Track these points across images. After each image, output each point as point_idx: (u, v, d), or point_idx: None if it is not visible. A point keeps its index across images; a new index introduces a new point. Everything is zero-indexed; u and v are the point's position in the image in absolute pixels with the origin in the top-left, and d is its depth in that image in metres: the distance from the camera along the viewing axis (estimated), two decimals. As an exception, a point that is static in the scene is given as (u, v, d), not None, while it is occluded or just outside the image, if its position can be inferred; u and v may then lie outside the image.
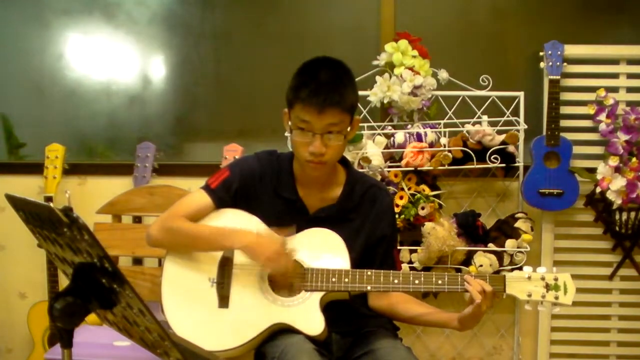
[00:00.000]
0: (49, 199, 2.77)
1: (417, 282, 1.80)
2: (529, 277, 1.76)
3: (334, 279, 1.80)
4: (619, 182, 2.63)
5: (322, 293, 1.80)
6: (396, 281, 1.80)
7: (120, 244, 2.45)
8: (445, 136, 2.67)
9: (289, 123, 1.82)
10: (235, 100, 3.08)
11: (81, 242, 1.13)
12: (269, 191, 1.91)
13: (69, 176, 2.94)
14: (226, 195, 1.89)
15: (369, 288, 1.81)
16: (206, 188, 1.91)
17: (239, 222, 1.88)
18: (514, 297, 1.78)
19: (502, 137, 2.67)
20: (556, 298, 1.75)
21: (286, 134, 2.68)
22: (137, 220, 2.69)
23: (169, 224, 1.87)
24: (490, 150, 2.65)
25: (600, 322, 2.88)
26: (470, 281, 1.75)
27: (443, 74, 2.73)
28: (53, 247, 1.28)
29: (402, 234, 2.64)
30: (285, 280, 1.81)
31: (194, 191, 1.97)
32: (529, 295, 1.76)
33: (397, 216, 2.55)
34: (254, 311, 1.81)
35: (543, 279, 1.76)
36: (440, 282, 1.79)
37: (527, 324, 2.89)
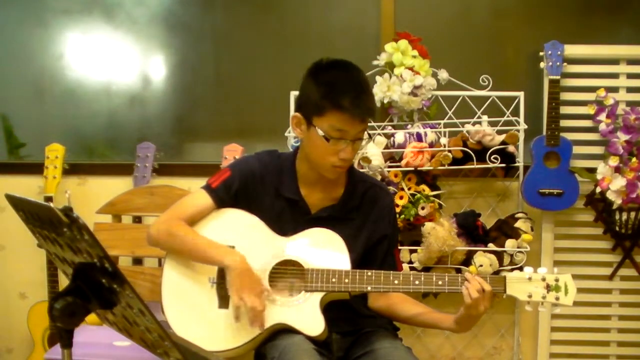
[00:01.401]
0: (49, 199, 2.77)
1: (417, 282, 1.79)
2: (530, 278, 1.76)
3: (334, 280, 1.80)
4: (619, 182, 2.63)
5: (322, 293, 1.80)
6: (396, 282, 1.80)
7: (120, 244, 2.45)
8: (445, 136, 2.67)
9: (318, 131, 1.77)
10: (235, 100, 3.08)
11: (81, 242, 1.13)
12: (270, 191, 1.91)
13: (69, 176, 2.94)
14: (227, 195, 1.89)
15: (369, 289, 1.81)
16: (207, 188, 1.91)
17: (239, 222, 1.89)
18: (515, 298, 1.78)
19: (502, 137, 2.67)
20: (557, 299, 1.75)
21: (286, 133, 2.69)
22: (137, 220, 2.69)
23: (168, 227, 1.87)
24: (490, 150, 2.65)
25: (600, 322, 2.88)
26: (470, 279, 1.74)
27: (443, 74, 2.73)
28: (53, 247, 1.28)
29: (402, 234, 2.64)
30: (239, 318, 1.78)
31: (194, 191, 1.97)
32: (530, 296, 1.75)
33: (397, 216, 2.55)
34: (254, 311, 1.81)
35: (544, 279, 1.75)
36: (440, 282, 1.78)
37: (527, 324, 2.89)
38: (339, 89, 1.76)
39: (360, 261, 1.87)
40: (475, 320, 1.77)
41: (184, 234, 1.85)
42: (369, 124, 2.65)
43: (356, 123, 1.76)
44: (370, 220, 1.92)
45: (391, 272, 1.82)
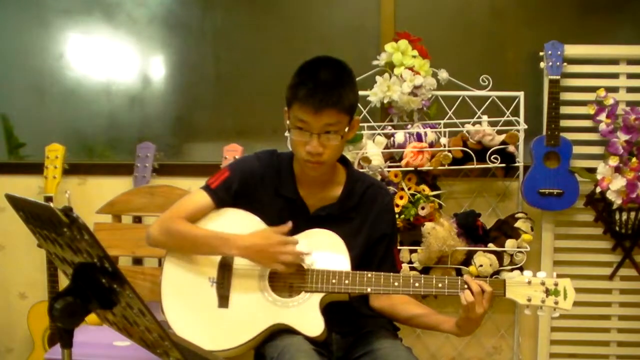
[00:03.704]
0: (49, 199, 2.76)
1: (417, 284, 1.79)
2: (529, 282, 1.76)
3: (334, 281, 1.80)
4: (619, 182, 2.63)
5: (322, 294, 1.80)
6: (396, 283, 1.80)
7: (120, 244, 2.45)
8: (445, 136, 2.67)
9: (287, 122, 1.83)
10: (235, 100, 3.08)
11: (81, 242, 1.13)
12: (269, 191, 1.91)
13: (69, 176, 2.93)
14: (226, 195, 1.89)
15: (369, 290, 1.81)
16: (206, 188, 1.91)
17: (239, 222, 1.89)
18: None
19: (502, 137, 2.66)
20: (556, 303, 1.75)
21: (286, 133, 2.69)
22: (137, 220, 2.69)
23: (168, 225, 1.87)
24: (490, 150, 2.65)
25: (600, 322, 2.88)
26: (468, 281, 1.75)
27: (443, 74, 2.73)
28: (53, 247, 1.28)
29: (402, 234, 2.64)
30: (294, 267, 1.81)
31: (194, 191, 1.97)
32: (529, 300, 1.76)
33: (397, 216, 2.55)
34: (253, 311, 1.81)
35: (543, 283, 1.76)
36: (440, 285, 1.78)
37: (527, 324, 2.90)
38: (301, 81, 1.77)
39: (359, 260, 1.87)
40: (476, 323, 1.76)
41: (184, 229, 1.86)
42: (368, 124, 2.71)
43: (314, 115, 1.74)
44: (370, 220, 1.92)
45: (391, 274, 1.82)
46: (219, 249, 1.84)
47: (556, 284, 1.76)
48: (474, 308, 1.71)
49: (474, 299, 1.70)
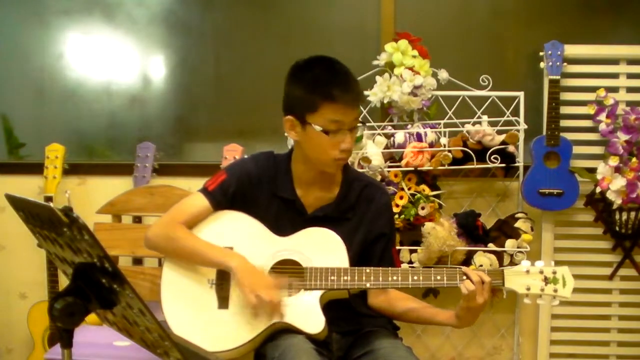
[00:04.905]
0: (49, 199, 2.77)
1: (415, 278, 1.79)
2: (528, 271, 1.77)
3: (332, 278, 1.80)
4: (619, 182, 2.63)
5: (321, 292, 1.80)
6: (395, 278, 1.80)
7: (120, 244, 2.45)
8: (445, 136, 2.67)
9: (316, 127, 1.77)
10: (235, 100, 3.08)
11: (81, 242, 1.13)
12: (266, 192, 1.91)
13: (69, 176, 2.93)
14: (223, 198, 1.90)
15: (368, 285, 1.81)
16: (204, 191, 1.91)
17: (237, 223, 1.89)
18: (514, 297, 1.78)
19: (502, 137, 2.66)
20: (555, 291, 1.75)
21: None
22: (137, 220, 2.69)
23: (167, 232, 1.87)
24: (490, 150, 2.65)
25: (600, 322, 2.88)
26: (468, 272, 1.75)
27: (443, 74, 2.73)
28: (53, 247, 1.28)
29: (402, 234, 2.64)
30: (258, 314, 1.78)
31: (191, 194, 1.97)
32: (528, 289, 1.76)
33: (397, 216, 2.55)
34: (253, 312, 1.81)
35: (541, 272, 1.76)
36: (439, 277, 1.78)
37: (527, 324, 2.89)
38: (326, 80, 1.77)
39: (357, 260, 1.87)
40: (476, 314, 1.77)
41: (183, 237, 1.86)
42: (368, 124, 2.71)
43: (349, 110, 1.77)
44: (367, 219, 1.92)
45: (389, 268, 1.82)
46: (215, 261, 1.83)
47: (555, 272, 1.76)
48: (474, 297, 1.72)
49: (474, 287, 1.71)
